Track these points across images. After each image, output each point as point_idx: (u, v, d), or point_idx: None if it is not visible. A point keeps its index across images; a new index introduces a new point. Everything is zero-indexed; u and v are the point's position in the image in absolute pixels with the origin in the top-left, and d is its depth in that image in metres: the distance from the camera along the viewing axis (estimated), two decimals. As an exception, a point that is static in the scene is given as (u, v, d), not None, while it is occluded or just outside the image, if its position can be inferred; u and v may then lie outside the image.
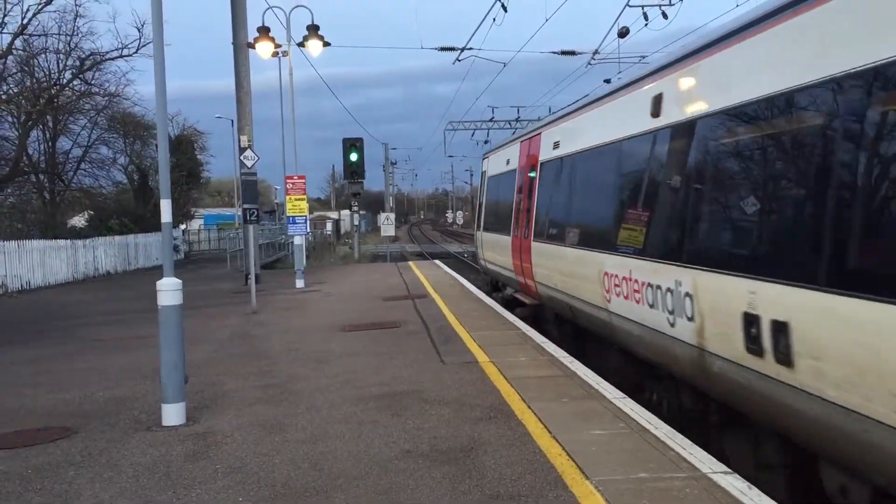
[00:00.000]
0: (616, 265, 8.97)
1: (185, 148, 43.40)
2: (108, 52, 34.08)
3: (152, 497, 5.46)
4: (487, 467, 5.70)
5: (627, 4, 19.72)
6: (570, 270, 11.21)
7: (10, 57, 31.36)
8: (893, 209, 4.57)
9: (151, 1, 7.31)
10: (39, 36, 31.90)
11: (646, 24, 20.09)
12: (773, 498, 4.96)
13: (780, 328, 5.31)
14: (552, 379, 8.47)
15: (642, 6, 19.87)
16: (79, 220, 40.75)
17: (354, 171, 30.15)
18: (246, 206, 17.32)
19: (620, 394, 7.69)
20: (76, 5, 32.01)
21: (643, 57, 23.69)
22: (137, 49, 33.19)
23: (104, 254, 31.32)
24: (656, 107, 8.27)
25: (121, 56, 33.88)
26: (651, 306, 7.80)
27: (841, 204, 4.89)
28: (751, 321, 5.70)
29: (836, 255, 4.88)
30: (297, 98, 23.36)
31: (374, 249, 49.53)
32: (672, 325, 7.25)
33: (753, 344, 5.68)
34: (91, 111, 36.21)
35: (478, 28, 22.13)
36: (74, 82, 34.68)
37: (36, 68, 33.65)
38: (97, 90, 35.07)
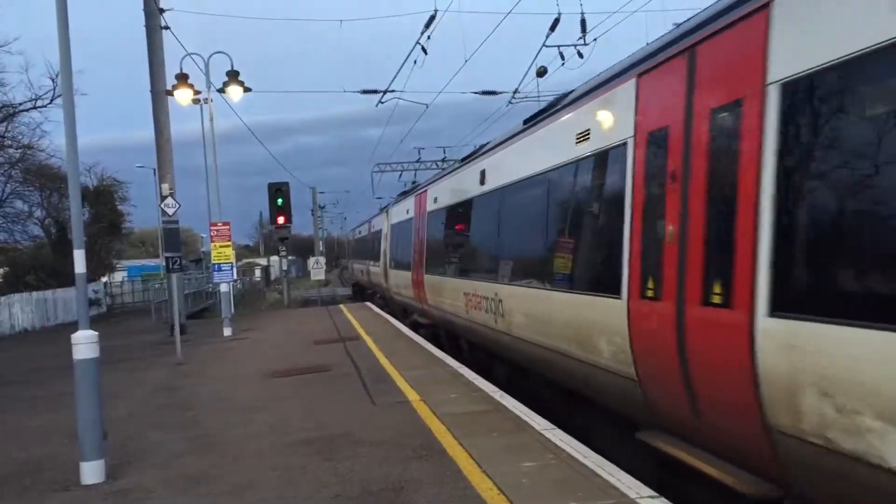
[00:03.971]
0: (470, 287, 13.03)
1: (104, 199, 42.29)
2: (21, 104, 33.20)
3: (70, 559, 5.23)
4: (418, 506, 5.65)
5: (544, 45, 20.25)
6: (448, 295, 15.07)
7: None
8: (522, 250, 10.67)
9: (59, 46, 7.18)
10: (-54, 88, 30.92)
11: (562, 64, 20.67)
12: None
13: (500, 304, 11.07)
14: (483, 414, 8.49)
15: (558, 46, 20.42)
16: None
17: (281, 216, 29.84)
18: (168, 254, 16.96)
19: (549, 424, 7.75)
20: (-15, 57, 31.17)
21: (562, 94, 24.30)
22: (52, 100, 32.37)
23: (20, 310, 30.19)
24: (482, 178, 12.69)
25: (34, 107, 33.03)
26: (484, 311, 12.11)
27: (509, 248, 11.21)
28: (497, 304, 11.22)
29: (504, 271, 11.05)
30: (222, 146, 23.19)
31: (305, 294, 48.97)
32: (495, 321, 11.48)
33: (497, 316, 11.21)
34: (4, 164, 35.09)
35: (399, 70, 22.43)
36: (-14, 135, 33.60)
37: (-55, 122, 32.55)
38: (10, 142, 34.06)
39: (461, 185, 14.36)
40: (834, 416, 4.28)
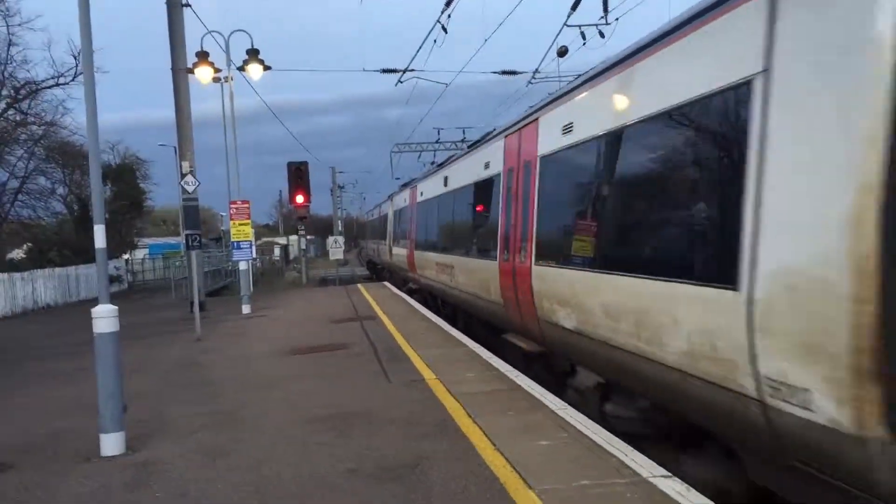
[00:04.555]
0: (438, 258, 18.23)
1: (126, 177, 42.65)
2: (43, 81, 33.45)
3: (90, 528, 5.33)
4: (433, 482, 5.71)
5: (565, 25, 20.07)
6: (427, 265, 20.19)
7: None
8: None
9: (80, 24, 7.22)
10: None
11: (584, 44, 20.48)
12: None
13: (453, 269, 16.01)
14: (498, 393, 8.52)
15: (580, 26, 20.24)
16: (18, 254, 39.68)
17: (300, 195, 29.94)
18: (188, 232, 17.10)
19: (562, 403, 7.79)
20: (9, 34, 31.41)
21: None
22: (74, 77, 32.63)
23: (44, 286, 30.56)
24: (445, 182, 17.98)
25: (57, 84, 33.31)
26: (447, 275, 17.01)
27: (456, 231, 16.76)
28: (452, 269, 16.16)
29: (455, 247, 16.24)
30: (242, 126, 23.31)
31: (324, 273, 49.19)
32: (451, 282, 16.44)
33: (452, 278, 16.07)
34: (27, 141, 35.41)
35: (419, 50, 22.32)
36: (9, 112, 33.90)
37: (-32, 99, 32.86)
38: (33, 119, 34.36)
39: (433, 186, 20.15)
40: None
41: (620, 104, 7.40)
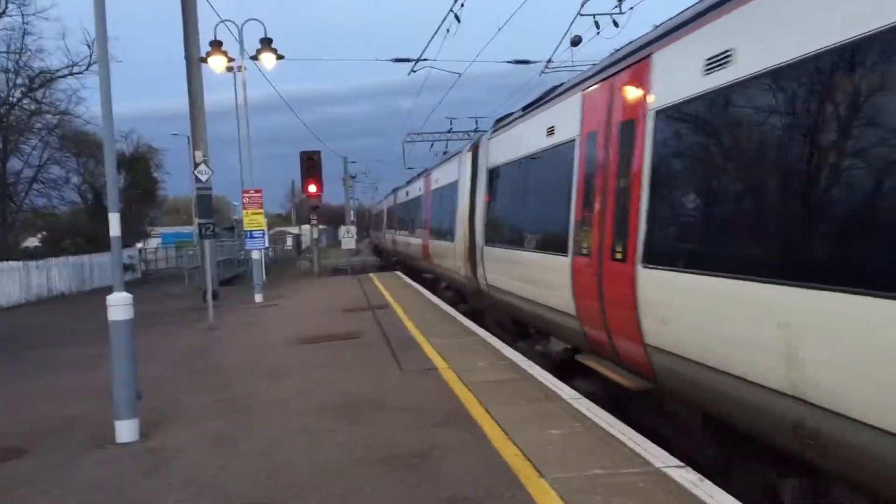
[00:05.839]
0: (411, 237, 28.12)
1: (140, 166, 42.79)
2: (58, 70, 33.60)
3: (104, 513, 5.37)
4: (444, 470, 5.71)
5: (579, 13, 19.94)
6: (406, 245, 29.89)
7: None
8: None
9: (95, 12, 7.23)
10: (-14, 55, 31.36)
11: (598, 33, 20.36)
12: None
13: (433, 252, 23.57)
14: (510, 382, 8.52)
15: (594, 15, 20.10)
16: (33, 242, 39.92)
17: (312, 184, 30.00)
18: (202, 221, 17.15)
19: (576, 394, 7.76)
20: (24, 23, 31.54)
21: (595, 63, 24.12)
22: (88, 66, 32.76)
23: (58, 275, 30.76)
24: (426, 187, 25.54)
25: (71, 74, 33.47)
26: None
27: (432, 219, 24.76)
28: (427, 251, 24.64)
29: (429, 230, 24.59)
30: (255, 115, 23.31)
31: (336, 263, 49.28)
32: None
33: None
34: (42, 130, 35.59)
35: (431, 39, 22.27)
36: (24, 101, 34.07)
37: (-16, 87, 33.03)
38: (48, 108, 34.51)
39: (413, 188, 25.88)
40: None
41: None
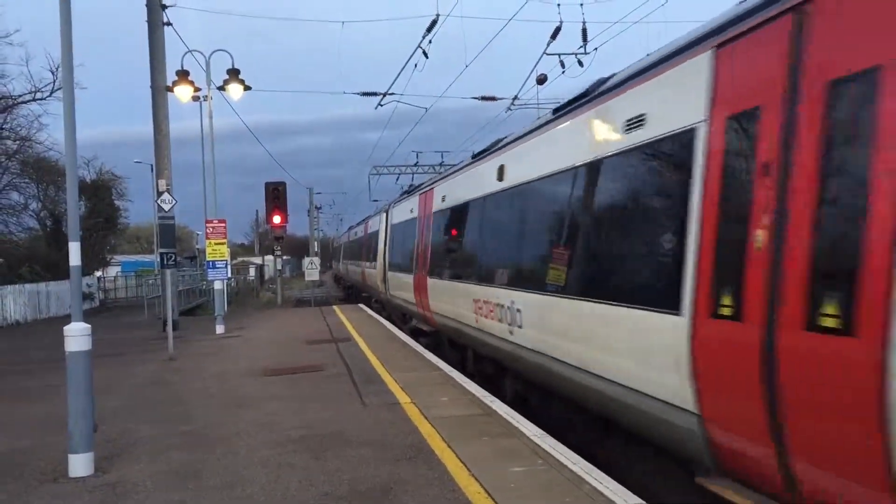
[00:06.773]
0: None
1: (102, 193, 42.24)
2: (20, 96, 33.15)
3: (56, 550, 5.22)
4: (406, 507, 5.66)
5: (545, 53, 20.32)
6: (354, 272, 37.37)
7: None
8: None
9: (61, 39, 7.19)
10: (-54, 79, 30.87)
11: (563, 72, 20.73)
12: None
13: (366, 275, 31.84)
14: (473, 418, 8.50)
15: (559, 54, 20.50)
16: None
17: (277, 215, 29.90)
18: (163, 250, 16.98)
19: (539, 431, 7.77)
20: (-13, 48, 31.14)
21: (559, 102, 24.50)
22: (51, 92, 32.32)
23: (13, 302, 30.09)
24: (365, 230, 34.10)
25: (34, 100, 32.98)
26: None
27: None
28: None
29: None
30: (221, 144, 23.22)
31: (299, 294, 48.90)
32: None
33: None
34: (1, 156, 34.99)
35: (399, 74, 22.43)
36: (-16, 126, 33.52)
37: (-57, 112, 32.47)
38: (8, 134, 33.98)
39: (371, 226, 31.54)
40: None
41: None
